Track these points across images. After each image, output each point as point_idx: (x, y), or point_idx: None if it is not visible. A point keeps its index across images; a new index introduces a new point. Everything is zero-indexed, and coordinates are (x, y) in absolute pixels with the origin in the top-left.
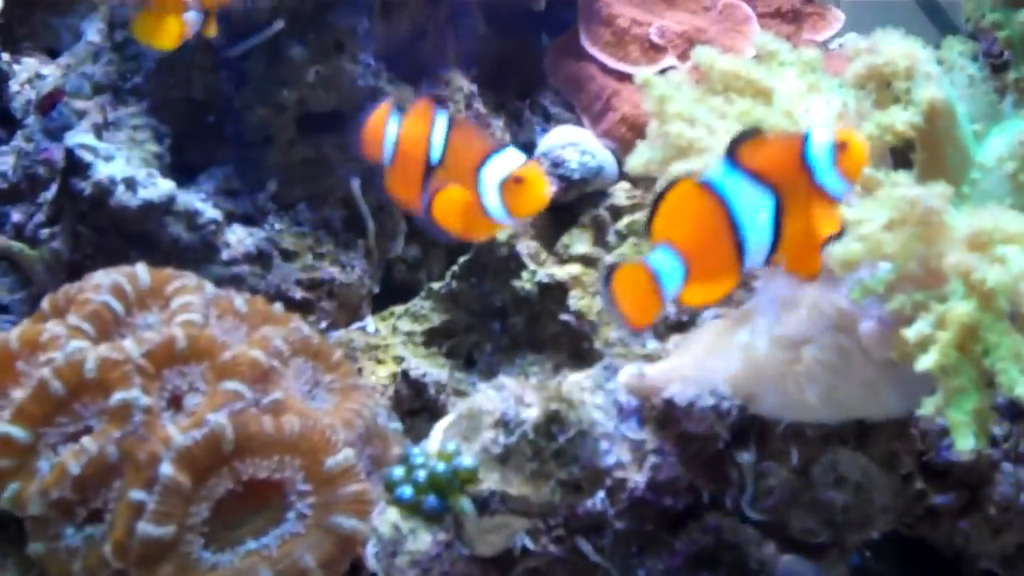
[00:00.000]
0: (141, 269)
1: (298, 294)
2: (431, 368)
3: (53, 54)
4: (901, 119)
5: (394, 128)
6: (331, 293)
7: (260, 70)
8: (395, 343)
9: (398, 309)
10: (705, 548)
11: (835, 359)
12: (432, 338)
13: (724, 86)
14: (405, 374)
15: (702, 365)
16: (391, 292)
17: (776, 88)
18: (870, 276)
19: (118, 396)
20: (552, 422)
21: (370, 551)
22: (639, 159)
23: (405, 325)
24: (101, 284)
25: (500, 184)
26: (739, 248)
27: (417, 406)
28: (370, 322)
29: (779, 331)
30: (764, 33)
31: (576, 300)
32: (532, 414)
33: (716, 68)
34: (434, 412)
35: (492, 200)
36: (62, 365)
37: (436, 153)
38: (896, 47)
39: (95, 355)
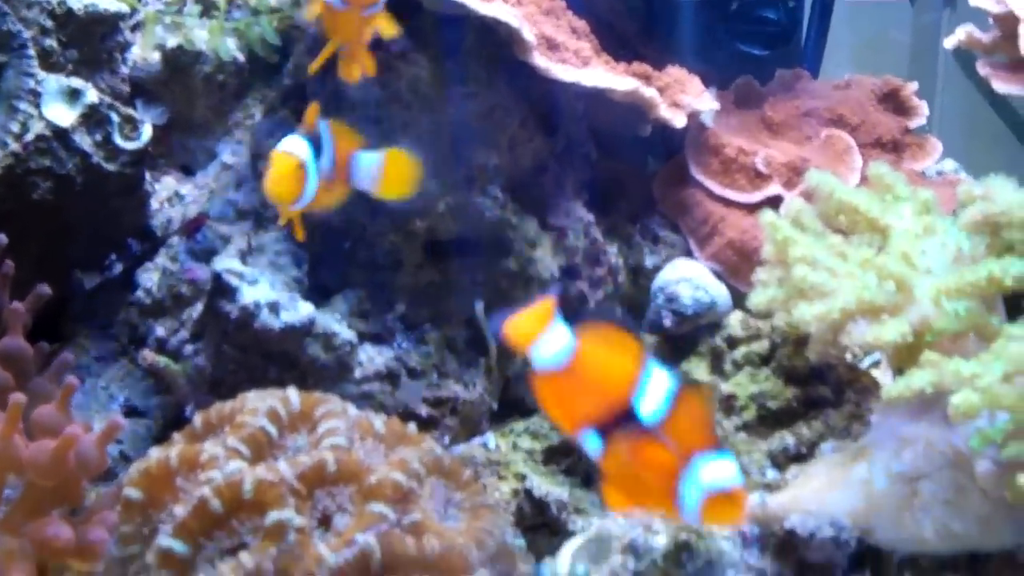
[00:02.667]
0: (292, 394)
1: (424, 411)
2: (552, 487)
3: (187, 171)
4: (1014, 270)
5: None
6: (454, 410)
7: (395, 200)
8: (516, 459)
9: (518, 426)
10: None
11: (951, 495)
12: (551, 456)
13: (839, 214)
14: (528, 492)
15: (822, 497)
16: (507, 406)
17: (893, 226)
18: (989, 426)
19: (273, 516)
20: (681, 550)
21: None
22: (762, 297)
23: (525, 442)
24: (257, 408)
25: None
26: None
27: (538, 523)
28: (490, 438)
29: (897, 467)
30: (880, 163)
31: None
32: (661, 541)
33: (835, 197)
34: (554, 529)
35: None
36: (221, 485)
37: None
38: (1012, 196)
39: (252, 476)
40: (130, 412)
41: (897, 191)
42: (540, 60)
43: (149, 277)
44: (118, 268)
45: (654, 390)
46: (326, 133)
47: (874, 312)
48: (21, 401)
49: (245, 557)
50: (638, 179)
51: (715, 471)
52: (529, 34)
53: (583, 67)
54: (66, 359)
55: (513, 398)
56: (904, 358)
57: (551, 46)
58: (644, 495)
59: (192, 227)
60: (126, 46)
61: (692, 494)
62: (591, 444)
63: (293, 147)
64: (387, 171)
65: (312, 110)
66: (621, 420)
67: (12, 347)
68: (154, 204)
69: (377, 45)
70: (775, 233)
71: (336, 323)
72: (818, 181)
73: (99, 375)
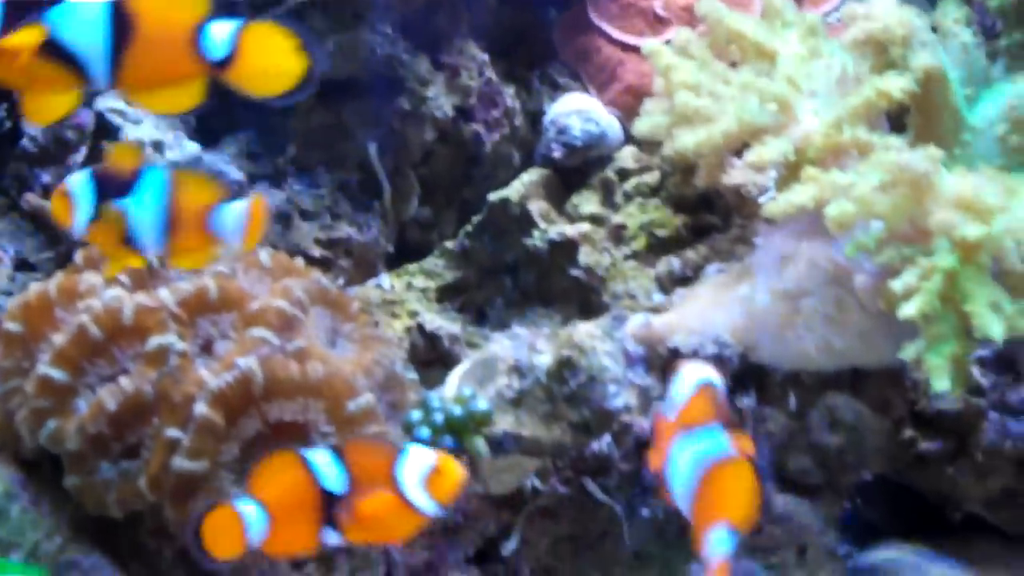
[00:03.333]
0: None
1: (317, 252)
2: (445, 322)
3: None
4: (897, 85)
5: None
6: (348, 252)
7: None
8: (410, 299)
9: (412, 267)
10: None
11: (832, 310)
12: (445, 294)
13: (728, 43)
14: (420, 327)
15: (705, 316)
16: (405, 252)
17: (779, 51)
18: (863, 234)
19: (155, 341)
20: (564, 367)
21: None
22: (646, 124)
23: (419, 282)
24: None
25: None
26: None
27: (432, 357)
28: (385, 279)
29: (779, 285)
30: None
31: (586, 256)
32: (545, 360)
33: (723, 24)
34: (448, 363)
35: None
36: (100, 312)
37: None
38: (892, 14)
39: (132, 303)
40: (22, 265)
41: (785, 17)
42: None
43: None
44: (7, 125)
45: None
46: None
47: (756, 134)
48: None
49: (124, 381)
50: (538, 28)
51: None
52: None
53: None
54: None
55: (414, 243)
56: (788, 179)
57: None
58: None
59: None
60: None
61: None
62: None
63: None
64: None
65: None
66: None
67: None
68: None
69: None
70: (658, 61)
71: (224, 163)
72: (707, 9)
73: None
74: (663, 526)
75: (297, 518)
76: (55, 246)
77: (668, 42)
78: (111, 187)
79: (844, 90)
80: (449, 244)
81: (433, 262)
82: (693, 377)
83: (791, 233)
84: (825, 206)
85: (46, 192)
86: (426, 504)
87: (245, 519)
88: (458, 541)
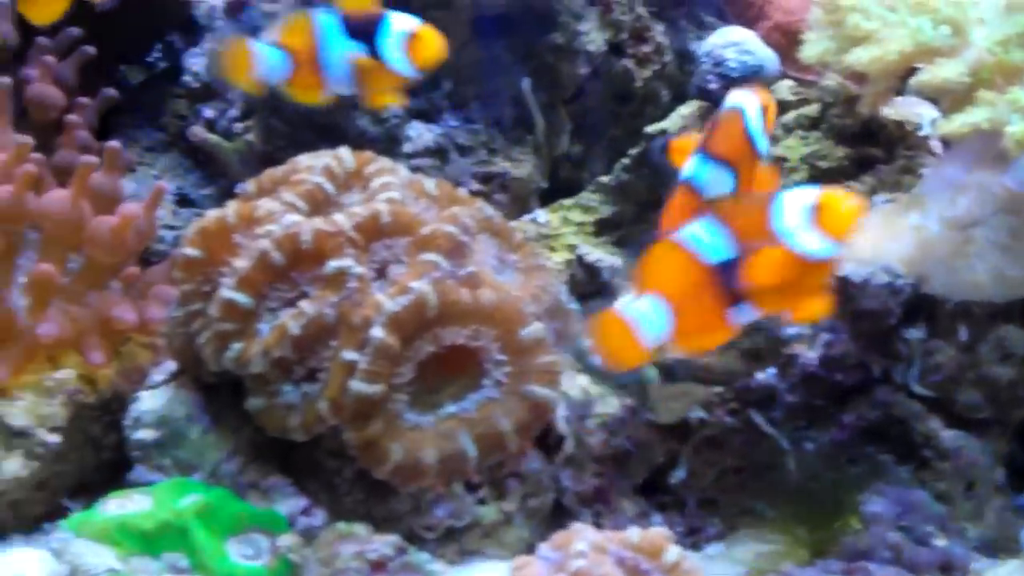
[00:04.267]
0: (345, 152)
1: (473, 186)
2: (604, 254)
3: None
4: None
5: None
6: (503, 186)
7: None
8: (566, 233)
9: (567, 201)
10: (872, 422)
11: (1005, 239)
12: (601, 228)
13: None
14: (580, 259)
15: (876, 246)
16: (556, 187)
17: None
18: None
19: (333, 264)
20: None
21: (560, 416)
22: (815, 49)
23: (575, 216)
24: (312, 166)
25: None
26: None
27: (591, 289)
28: (541, 213)
29: (950, 214)
30: None
31: None
32: None
33: None
34: (608, 295)
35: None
36: (280, 236)
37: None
38: None
39: (310, 227)
40: (183, 201)
41: None
42: None
43: (197, 61)
44: (163, 64)
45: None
46: None
47: (929, 55)
48: (91, 164)
49: (306, 304)
50: None
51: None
52: None
53: None
54: (114, 146)
55: (566, 180)
56: (959, 102)
57: None
58: None
59: (236, 7)
60: None
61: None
62: None
63: None
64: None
65: None
66: None
67: (81, 141)
68: None
69: None
70: None
71: None
72: None
73: (151, 165)
74: (829, 458)
75: (697, 301)
76: (215, 181)
77: None
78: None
79: (1011, 17)
80: (604, 179)
81: (588, 196)
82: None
83: (962, 161)
84: (1001, 127)
85: (209, 126)
86: (820, 246)
87: (641, 318)
88: (626, 469)
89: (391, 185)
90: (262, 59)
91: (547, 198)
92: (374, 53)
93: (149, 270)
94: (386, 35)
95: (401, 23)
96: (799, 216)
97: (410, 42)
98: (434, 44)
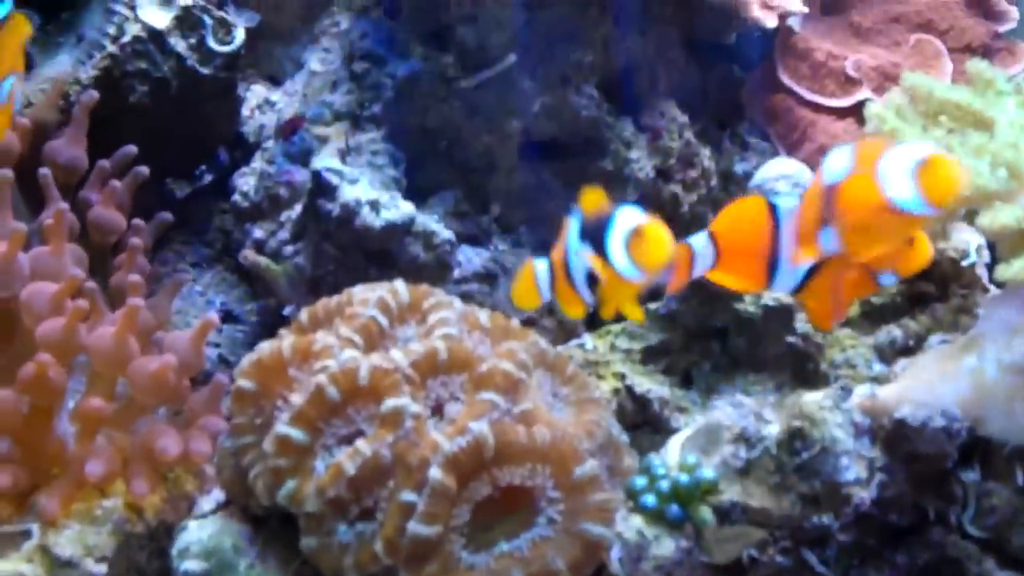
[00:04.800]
0: (400, 286)
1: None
2: (653, 385)
3: (274, 82)
4: None
5: None
6: (551, 311)
7: (491, 100)
8: (614, 360)
9: (614, 328)
10: (926, 563)
11: None
12: (649, 356)
13: (939, 113)
14: (630, 389)
15: (932, 388)
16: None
17: (998, 119)
18: None
19: (390, 403)
20: (795, 438)
21: (615, 556)
22: None
23: (623, 343)
24: (367, 299)
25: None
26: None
27: (640, 420)
28: (588, 339)
29: (1007, 357)
30: (978, 60)
31: (803, 323)
32: (774, 430)
33: (935, 96)
34: (656, 426)
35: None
36: (337, 372)
37: None
38: None
39: (367, 364)
40: (226, 317)
41: (998, 86)
42: None
43: (246, 181)
44: (208, 177)
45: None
46: None
47: (987, 198)
48: (137, 306)
49: (362, 444)
50: (724, 86)
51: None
52: None
53: None
54: (181, 279)
55: None
56: (1017, 246)
57: None
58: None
59: (288, 129)
60: None
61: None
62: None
63: None
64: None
65: None
66: None
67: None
68: (244, 112)
69: None
70: (882, 124)
71: (435, 222)
72: (915, 82)
73: (196, 280)
74: None
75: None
76: (259, 298)
77: (863, 107)
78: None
79: None
80: (653, 306)
81: (635, 324)
82: None
83: (1018, 304)
84: None
85: (258, 247)
86: (912, 200)
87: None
88: None
89: (448, 321)
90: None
91: (591, 322)
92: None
93: (194, 396)
94: (610, 234)
95: (627, 219)
96: (904, 166)
97: (633, 240)
98: (659, 243)
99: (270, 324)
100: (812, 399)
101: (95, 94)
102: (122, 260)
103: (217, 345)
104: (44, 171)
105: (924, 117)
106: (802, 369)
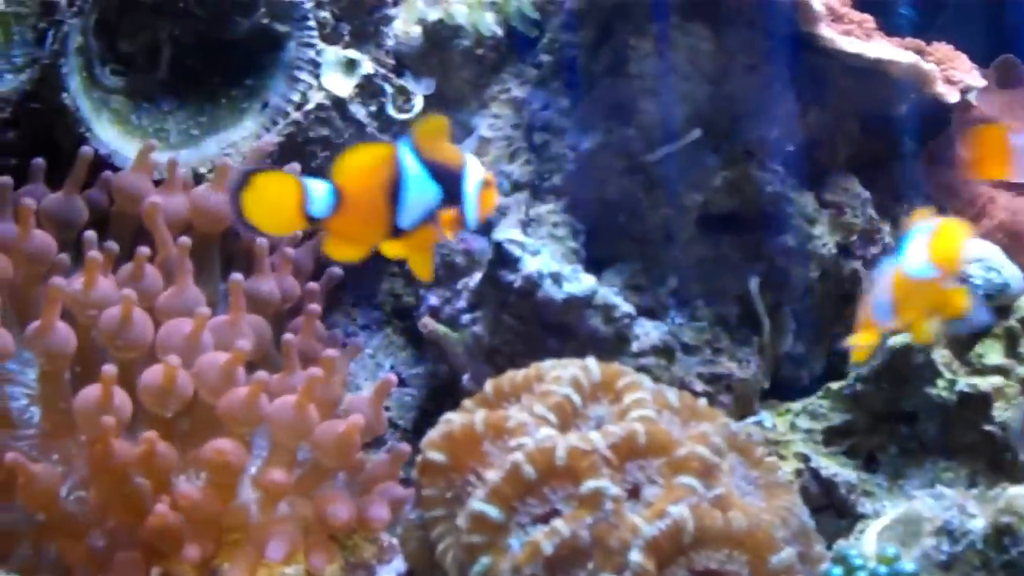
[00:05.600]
0: (592, 363)
1: (699, 387)
2: (839, 468)
3: None
4: None
5: None
6: (729, 387)
7: (672, 174)
8: (795, 439)
9: (794, 406)
10: None
11: None
12: (832, 437)
13: None
14: (815, 472)
15: None
16: (777, 387)
17: None
18: None
19: (590, 484)
20: (1004, 533)
21: None
22: None
23: (804, 422)
24: (560, 377)
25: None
26: None
27: (823, 504)
28: (766, 416)
29: None
30: None
31: (999, 411)
32: (979, 524)
33: None
34: (841, 512)
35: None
36: (534, 451)
37: None
38: None
39: (565, 444)
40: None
41: None
42: (826, 31)
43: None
44: None
45: None
46: None
47: None
48: (318, 377)
49: (560, 524)
50: (898, 159)
51: None
52: (818, 4)
53: (867, 40)
54: (357, 344)
55: (784, 379)
56: None
57: (835, 18)
58: None
59: None
60: (390, 20)
61: None
62: None
63: None
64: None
65: None
66: None
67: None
68: None
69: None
70: None
71: (615, 295)
72: None
73: (366, 344)
74: None
75: None
76: (426, 362)
77: None
78: None
79: None
80: (835, 385)
81: (817, 402)
82: None
83: None
84: None
85: (433, 314)
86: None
87: None
88: None
89: (644, 403)
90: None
91: (766, 397)
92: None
93: (372, 464)
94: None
95: (476, 168)
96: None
97: (483, 191)
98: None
99: (440, 390)
100: (1020, 493)
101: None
102: (298, 325)
103: (387, 408)
104: (262, 241)
105: None
106: (998, 459)
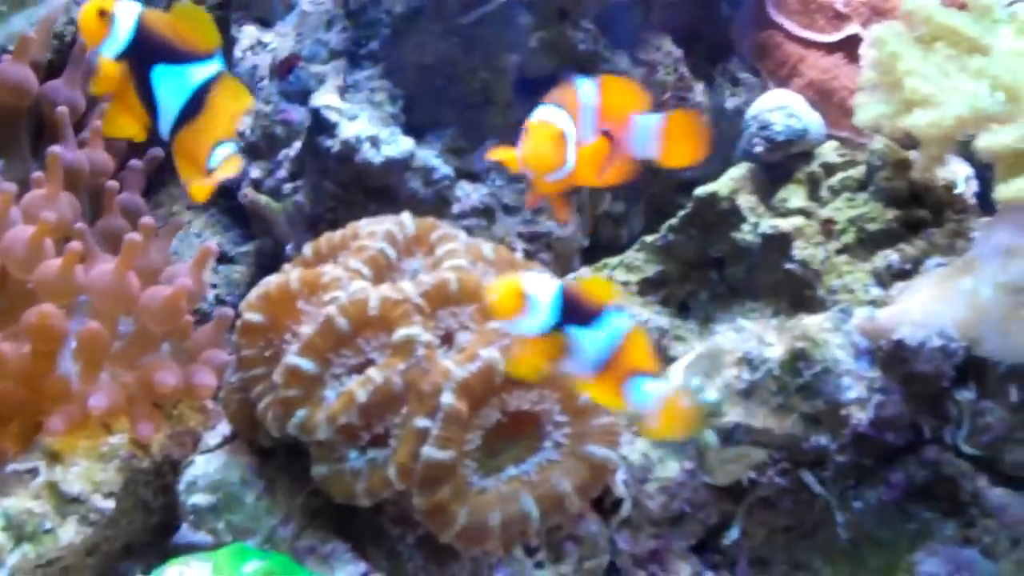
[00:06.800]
0: (407, 218)
1: (519, 246)
2: (652, 315)
3: (265, 23)
4: None
5: None
6: (548, 246)
7: (487, 36)
8: None
9: (611, 260)
10: (920, 481)
11: None
12: (646, 287)
13: (935, 39)
14: None
15: (929, 309)
16: (597, 246)
17: (994, 46)
18: None
19: (402, 332)
20: (798, 359)
21: (619, 478)
22: (869, 112)
23: (620, 275)
24: (375, 232)
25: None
26: None
27: None
28: (585, 272)
29: (1002, 278)
30: None
31: (800, 250)
32: (776, 352)
33: (934, 20)
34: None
35: None
36: (346, 303)
37: None
38: None
39: (377, 295)
40: (222, 258)
41: (995, 14)
42: None
43: (241, 121)
44: None
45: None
46: (589, 97)
47: (986, 120)
48: (137, 242)
49: (374, 372)
50: (714, 23)
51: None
52: None
53: None
54: (178, 222)
55: (606, 237)
56: (1014, 167)
57: None
58: None
59: (284, 68)
60: None
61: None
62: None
63: (550, 116)
64: (670, 135)
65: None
66: None
67: (130, 203)
68: (236, 53)
69: None
70: (883, 48)
71: (434, 158)
72: (914, 5)
73: (191, 221)
74: (879, 516)
75: None
76: (252, 239)
77: (851, 42)
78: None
79: None
80: (649, 238)
81: (633, 255)
82: None
83: (1013, 226)
84: None
85: (256, 186)
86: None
87: None
88: (682, 530)
89: (456, 252)
90: None
91: (587, 255)
92: None
93: (196, 332)
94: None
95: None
96: None
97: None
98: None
99: (266, 264)
100: (814, 321)
101: None
102: (116, 201)
103: (214, 286)
104: (62, 110)
105: (921, 43)
106: (800, 296)
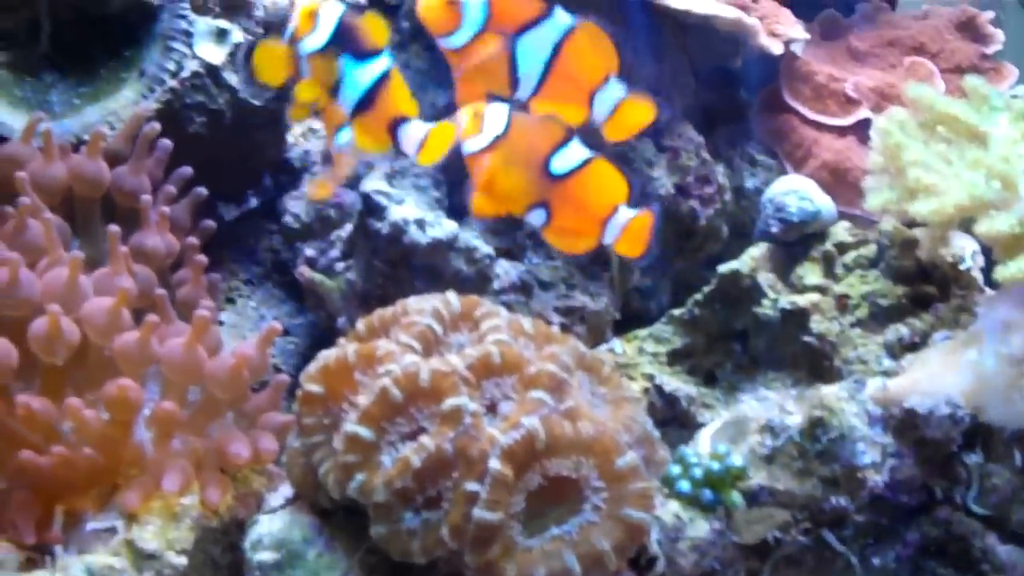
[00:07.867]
0: (452, 296)
1: (555, 319)
2: (680, 384)
3: (317, 112)
4: None
5: None
6: (582, 319)
7: None
8: (642, 362)
9: (641, 332)
10: (934, 539)
11: None
12: (674, 358)
13: (937, 124)
14: (659, 388)
15: (937, 380)
16: (627, 318)
17: (991, 133)
18: None
19: (450, 402)
20: (816, 426)
21: (654, 537)
22: (878, 199)
23: (649, 346)
24: (423, 309)
25: None
26: None
27: (668, 417)
28: (617, 343)
29: (1004, 350)
30: (975, 77)
31: (817, 324)
32: (796, 420)
33: (935, 108)
34: (684, 422)
35: None
36: (400, 375)
37: None
38: None
39: (428, 367)
40: None
41: (993, 102)
42: None
43: (296, 204)
44: (255, 201)
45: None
46: None
47: (984, 208)
48: (207, 317)
49: (426, 439)
50: (732, 108)
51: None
52: None
53: None
54: (214, 279)
55: (634, 310)
56: (1011, 249)
57: None
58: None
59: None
60: None
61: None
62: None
63: None
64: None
65: None
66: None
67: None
68: (289, 139)
69: None
70: (888, 138)
71: (475, 238)
72: (918, 94)
73: (249, 297)
74: (895, 573)
75: None
76: (306, 313)
77: (862, 125)
78: None
79: None
80: (676, 312)
81: (661, 328)
82: None
83: (1014, 302)
84: None
85: (310, 264)
86: None
87: None
88: None
89: (498, 328)
90: None
91: (618, 327)
92: None
93: (256, 398)
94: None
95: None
96: None
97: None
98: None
99: (319, 337)
100: (830, 391)
101: (157, 126)
102: (183, 276)
103: (272, 357)
104: (146, 198)
105: (924, 128)
106: (817, 366)
